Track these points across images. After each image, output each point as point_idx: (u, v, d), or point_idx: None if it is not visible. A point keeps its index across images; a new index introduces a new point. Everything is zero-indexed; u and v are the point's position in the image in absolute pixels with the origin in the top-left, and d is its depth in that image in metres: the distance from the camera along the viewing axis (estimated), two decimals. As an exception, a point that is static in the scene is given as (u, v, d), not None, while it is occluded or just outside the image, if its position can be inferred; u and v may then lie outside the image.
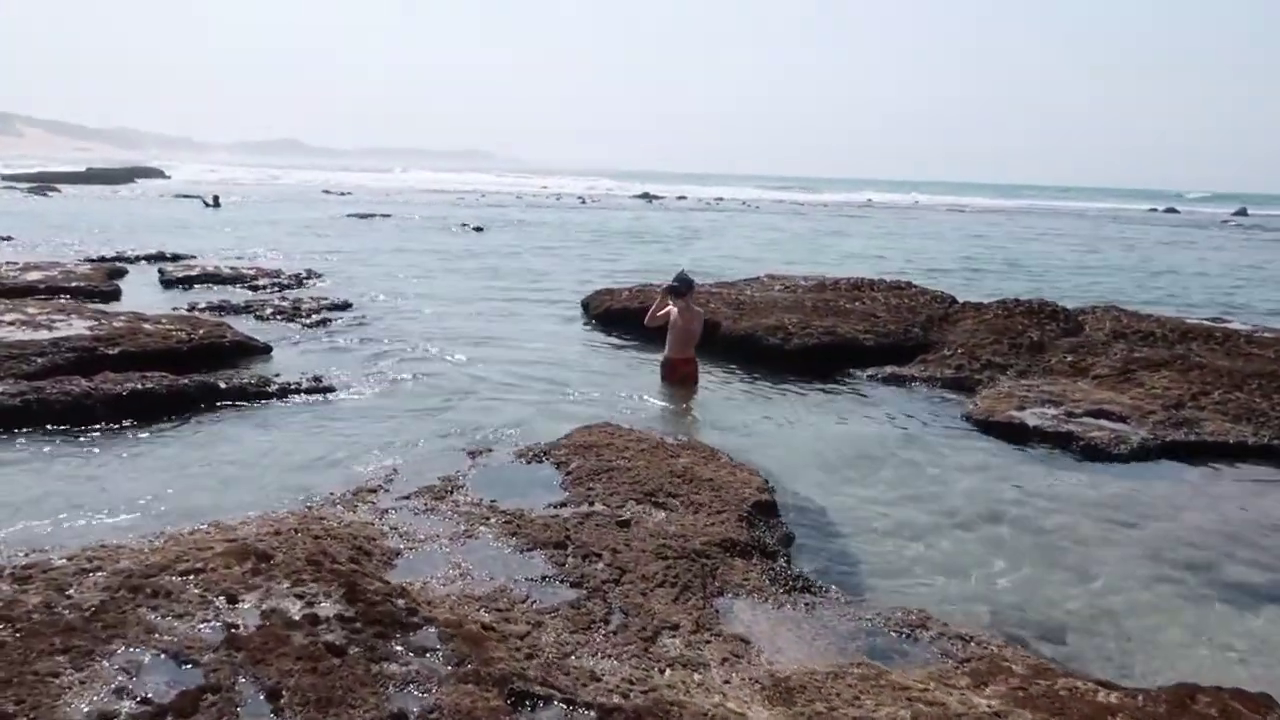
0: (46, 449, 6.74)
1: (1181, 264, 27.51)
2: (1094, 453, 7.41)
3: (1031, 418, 7.92)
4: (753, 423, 8.30)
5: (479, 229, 29.89)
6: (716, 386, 9.68)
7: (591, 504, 5.60)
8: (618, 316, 12.71)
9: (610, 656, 3.77)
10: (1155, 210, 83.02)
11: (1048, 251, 30.93)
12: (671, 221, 39.30)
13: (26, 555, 4.33)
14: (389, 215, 33.64)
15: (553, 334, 12.29)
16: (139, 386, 7.74)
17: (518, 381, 9.44)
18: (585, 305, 13.68)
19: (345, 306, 13.36)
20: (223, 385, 8.17)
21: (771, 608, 4.43)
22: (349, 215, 34.04)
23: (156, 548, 4.48)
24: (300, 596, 3.76)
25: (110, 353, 8.91)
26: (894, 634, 4.21)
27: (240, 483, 6.28)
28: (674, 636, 4.00)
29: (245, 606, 3.65)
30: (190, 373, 8.66)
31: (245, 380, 8.38)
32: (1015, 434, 7.87)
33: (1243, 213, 74.86)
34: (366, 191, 58.30)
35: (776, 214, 50.53)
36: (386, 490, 5.83)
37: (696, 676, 3.68)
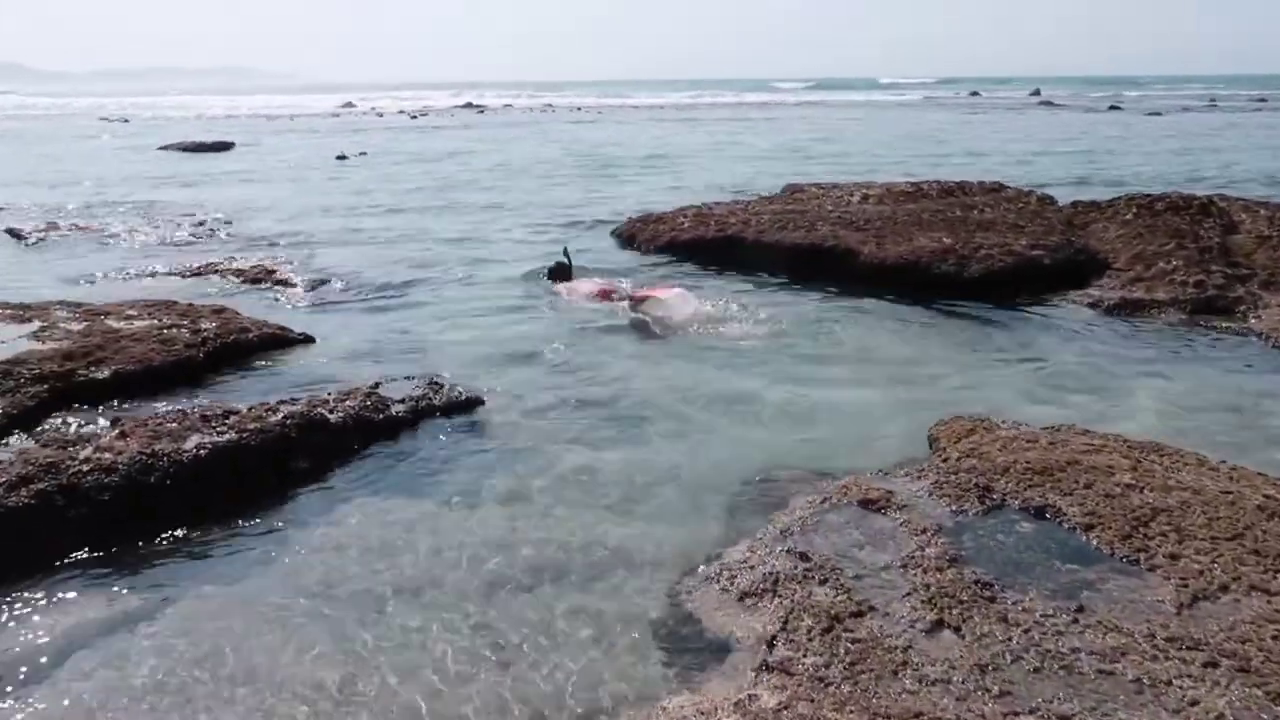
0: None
1: (1090, 143, 27.14)
2: None
3: None
4: (1074, 393, 6.07)
5: (342, 157, 25.44)
6: (921, 336, 7.42)
7: (1228, 586, 3.35)
8: (686, 250, 10.15)
9: None
10: (958, 92, 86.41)
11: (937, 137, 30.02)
12: (545, 135, 35.73)
13: None
14: (227, 145, 28.21)
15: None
16: (229, 438, 4.66)
17: (681, 365, 6.85)
18: (629, 237, 10.96)
19: (312, 260, 10.05)
20: (334, 419, 5.16)
21: None
22: (163, 148, 28.32)
23: None
24: None
25: (99, 376, 5.63)
26: None
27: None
28: None
29: None
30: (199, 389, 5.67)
31: (356, 405, 5.37)
32: None
33: (1037, 93, 78.79)
34: (145, 121, 49.98)
35: (645, 121, 47.66)
36: (996, 594, 3.33)
37: None
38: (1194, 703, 2.75)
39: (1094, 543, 3.75)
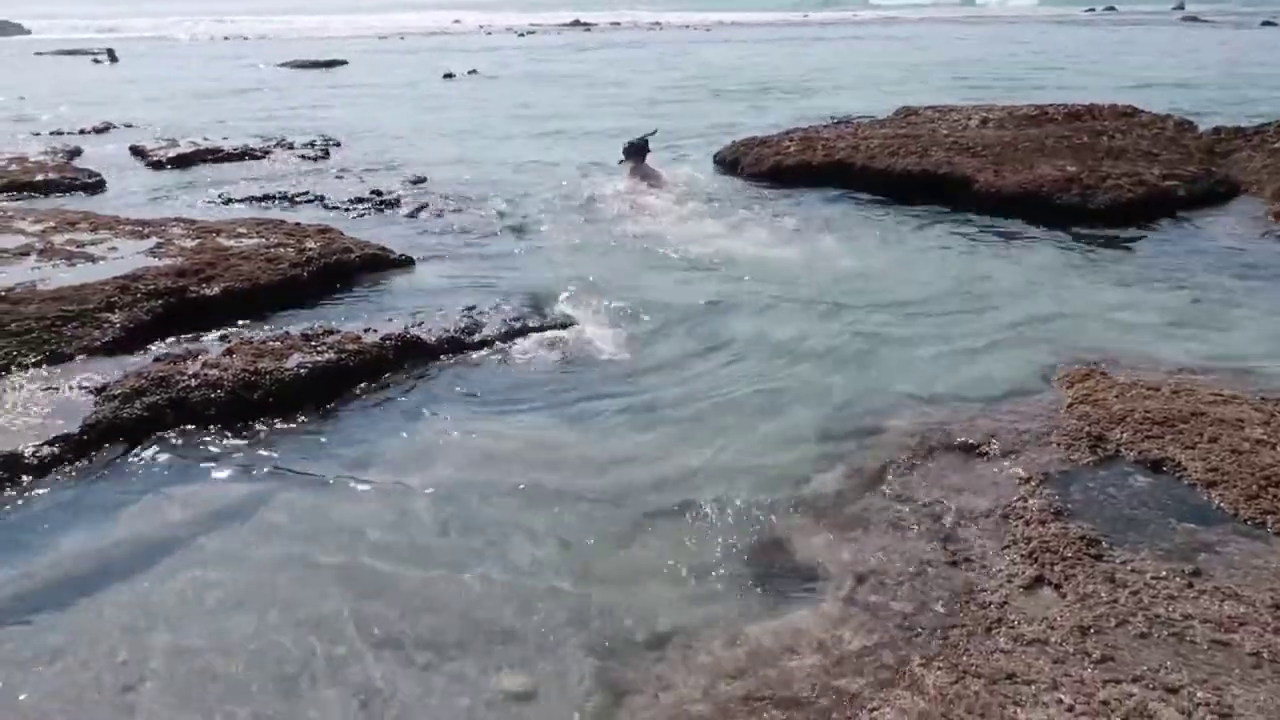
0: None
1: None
2: None
3: None
4: (1203, 337, 5.60)
5: (449, 76, 25.38)
6: (1039, 268, 7.01)
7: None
8: (790, 176, 9.83)
9: None
10: (1093, 10, 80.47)
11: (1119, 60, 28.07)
12: (655, 54, 35.04)
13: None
14: (340, 63, 28.68)
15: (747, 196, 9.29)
16: (329, 357, 4.78)
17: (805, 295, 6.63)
18: (730, 163, 10.68)
19: (419, 180, 10.16)
20: (430, 339, 5.23)
21: None
22: (281, 65, 28.96)
23: None
24: None
25: (209, 293, 5.81)
26: None
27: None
28: None
29: None
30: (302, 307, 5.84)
31: (452, 326, 5.42)
32: None
33: (1181, 8, 72.99)
34: (263, 38, 51.10)
35: (723, 40, 46.19)
36: (1103, 551, 3.18)
37: None
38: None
39: (1216, 502, 3.51)
